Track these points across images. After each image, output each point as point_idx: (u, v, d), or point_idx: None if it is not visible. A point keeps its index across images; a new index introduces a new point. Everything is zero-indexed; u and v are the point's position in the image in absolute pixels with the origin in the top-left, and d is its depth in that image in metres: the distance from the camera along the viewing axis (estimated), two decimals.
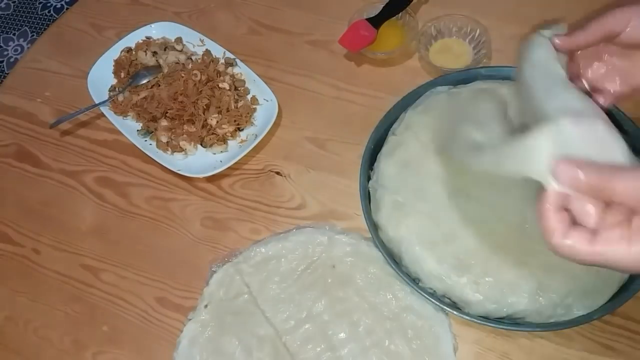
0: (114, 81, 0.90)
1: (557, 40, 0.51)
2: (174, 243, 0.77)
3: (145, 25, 0.92)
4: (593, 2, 0.87)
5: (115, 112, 0.85)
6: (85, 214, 0.82)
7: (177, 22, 0.93)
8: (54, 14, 2.01)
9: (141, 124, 0.85)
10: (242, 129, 0.84)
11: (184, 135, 0.82)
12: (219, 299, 0.71)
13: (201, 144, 0.83)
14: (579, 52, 0.53)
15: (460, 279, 0.63)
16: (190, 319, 0.70)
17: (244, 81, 0.87)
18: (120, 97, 0.87)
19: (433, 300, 0.64)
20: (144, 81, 0.88)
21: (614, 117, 0.71)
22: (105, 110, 0.85)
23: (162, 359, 0.70)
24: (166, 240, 0.78)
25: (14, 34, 1.99)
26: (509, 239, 0.64)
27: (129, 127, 0.84)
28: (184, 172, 0.79)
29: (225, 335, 0.68)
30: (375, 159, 0.74)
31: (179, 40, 0.92)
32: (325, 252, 0.72)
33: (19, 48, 1.96)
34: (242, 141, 0.83)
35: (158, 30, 0.93)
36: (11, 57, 1.95)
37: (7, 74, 1.19)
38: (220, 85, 0.85)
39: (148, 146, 0.82)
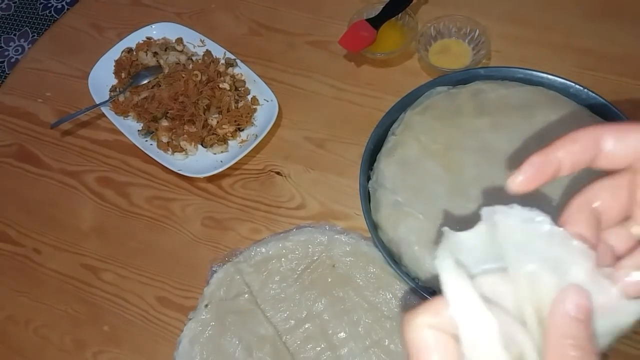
0: (115, 81, 0.90)
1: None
2: (175, 243, 0.78)
3: (146, 25, 0.93)
4: (592, 2, 0.88)
5: (116, 113, 0.86)
6: (86, 214, 0.82)
7: (177, 22, 0.94)
8: (54, 15, 2.01)
9: (142, 124, 0.85)
10: (243, 129, 0.84)
11: (185, 136, 0.82)
12: (220, 299, 0.71)
13: (202, 144, 0.83)
14: None
15: None
16: (190, 319, 0.70)
17: (244, 81, 0.87)
18: (121, 98, 0.87)
19: None
20: (145, 81, 0.88)
21: (614, 117, 0.72)
22: (106, 110, 0.85)
23: (162, 358, 0.70)
24: (167, 240, 0.78)
25: (14, 35, 1.99)
26: None
27: (129, 127, 0.85)
28: (184, 172, 0.79)
29: (226, 335, 0.68)
30: (375, 159, 0.74)
31: (179, 40, 0.92)
32: (325, 251, 0.72)
33: (20, 48, 1.96)
34: (242, 141, 0.83)
35: (159, 31, 0.93)
36: (12, 57, 1.95)
37: (8, 74, 1.19)
38: (221, 85, 0.85)
39: (149, 146, 0.83)
